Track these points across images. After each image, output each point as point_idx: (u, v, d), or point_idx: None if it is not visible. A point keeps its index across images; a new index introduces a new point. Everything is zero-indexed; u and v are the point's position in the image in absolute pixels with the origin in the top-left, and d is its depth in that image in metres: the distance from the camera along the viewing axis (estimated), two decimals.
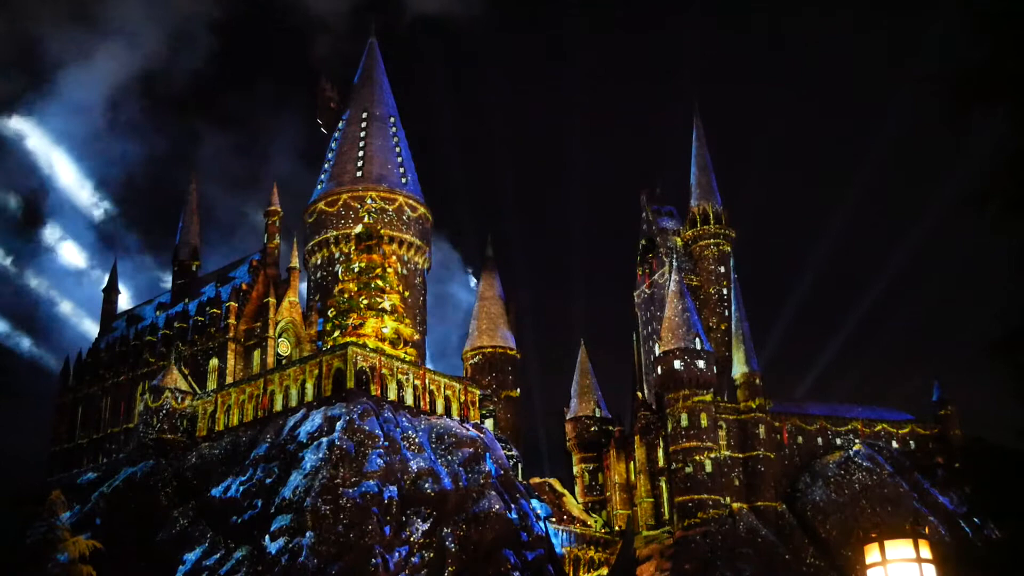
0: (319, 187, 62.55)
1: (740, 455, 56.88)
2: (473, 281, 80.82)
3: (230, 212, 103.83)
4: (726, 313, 62.66)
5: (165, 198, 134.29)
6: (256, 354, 49.77)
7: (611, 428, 64.13)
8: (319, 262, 60.45)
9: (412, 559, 37.84)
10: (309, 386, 43.36)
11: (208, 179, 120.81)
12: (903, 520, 50.62)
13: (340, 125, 64.34)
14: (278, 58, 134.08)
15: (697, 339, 57.48)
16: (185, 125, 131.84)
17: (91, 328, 78.39)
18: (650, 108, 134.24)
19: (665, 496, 57.34)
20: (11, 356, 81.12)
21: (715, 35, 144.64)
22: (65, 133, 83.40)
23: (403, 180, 61.69)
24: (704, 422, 55.86)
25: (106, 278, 64.22)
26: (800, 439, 59.45)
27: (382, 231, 53.58)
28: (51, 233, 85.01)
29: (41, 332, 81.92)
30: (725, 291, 63.47)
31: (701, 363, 56.74)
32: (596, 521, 59.19)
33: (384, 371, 43.50)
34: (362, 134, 63.04)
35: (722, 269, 64.31)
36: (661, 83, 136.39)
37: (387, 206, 59.59)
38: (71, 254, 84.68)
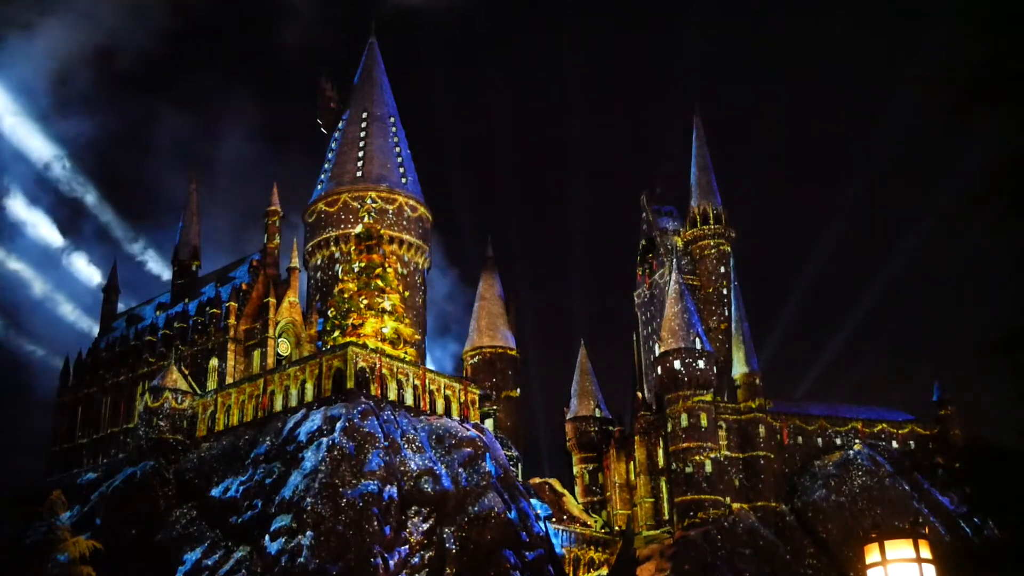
0: (319, 187, 62.54)
1: (740, 455, 56.90)
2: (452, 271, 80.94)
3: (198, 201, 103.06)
4: (726, 313, 62.69)
5: (122, 179, 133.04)
6: (256, 354, 49.77)
7: (611, 428, 64.15)
8: (319, 262, 60.44)
9: (412, 559, 37.86)
10: (309, 386, 43.37)
11: (164, 158, 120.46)
12: (903, 520, 50.61)
13: (340, 125, 64.35)
14: (240, 39, 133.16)
15: (697, 339, 57.50)
16: (141, 103, 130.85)
17: (70, 310, 78.10)
18: (650, 108, 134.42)
19: (665, 496, 57.35)
20: (5, 352, 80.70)
21: (715, 35, 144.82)
22: (10, 108, 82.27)
23: (403, 180, 61.67)
24: (704, 422, 55.88)
25: (76, 257, 63.94)
26: (800, 439, 59.45)
27: (382, 231, 53.56)
28: (14, 210, 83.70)
29: (13, 315, 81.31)
30: (725, 291, 63.50)
31: (701, 363, 56.75)
32: (596, 521, 59.20)
33: (384, 371, 43.51)
34: (362, 134, 63.02)
35: (722, 269, 64.34)
36: (661, 83, 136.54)
37: (387, 206, 59.56)
38: (45, 233, 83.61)
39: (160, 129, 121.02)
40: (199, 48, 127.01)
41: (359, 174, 61.12)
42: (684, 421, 56.02)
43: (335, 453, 38.05)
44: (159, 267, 79.78)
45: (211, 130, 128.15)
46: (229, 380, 48.44)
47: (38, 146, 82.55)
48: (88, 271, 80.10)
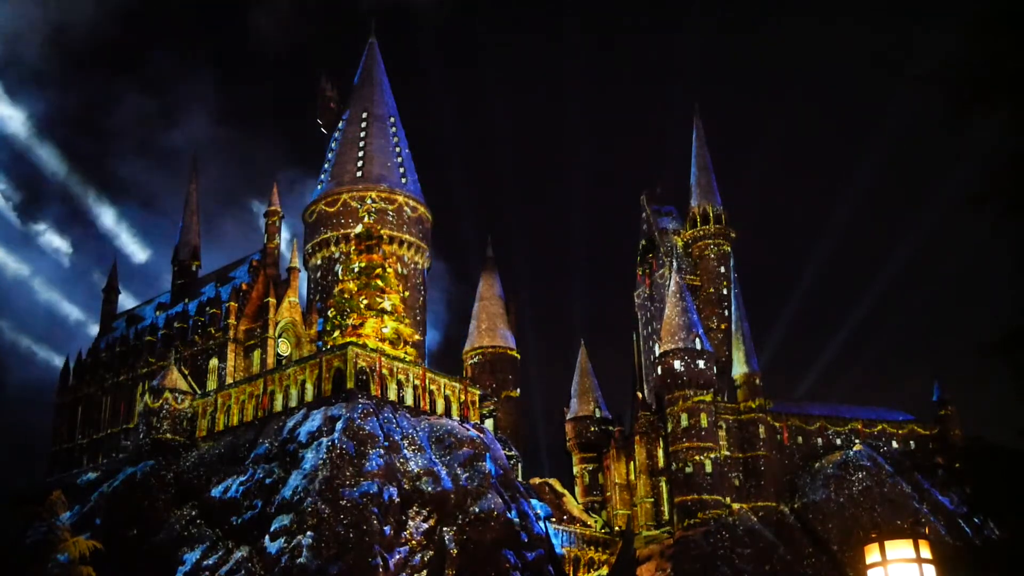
0: (319, 187, 62.58)
1: (740, 455, 56.90)
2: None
3: (161, 183, 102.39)
4: (726, 313, 62.68)
5: (84, 159, 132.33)
6: (256, 354, 49.75)
7: (611, 428, 64.12)
8: (319, 262, 60.45)
9: (412, 559, 37.84)
10: (309, 386, 43.36)
11: (124, 138, 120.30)
12: (903, 520, 50.65)
13: (340, 125, 64.37)
14: (209, 21, 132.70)
15: (697, 339, 57.49)
16: (101, 83, 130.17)
17: (49, 295, 78.14)
18: (650, 108, 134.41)
19: (665, 496, 57.34)
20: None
21: (715, 36, 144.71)
22: None
23: (403, 180, 61.70)
24: (704, 422, 55.87)
25: (43, 240, 63.82)
26: (800, 439, 59.46)
27: (382, 231, 53.56)
28: None
29: None
30: (725, 291, 63.50)
31: (701, 363, 56.75)
32: (596, 521, 59.18)
33: (384, 371, 43.50)
34: (362, 134, 63.05)
35: (722, 269, 64.32)
36: (661, 83, 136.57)
37: (387, 206, 59.59)
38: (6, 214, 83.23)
39: (121, 109, 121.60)
40: (162, 29, 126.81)
41: (359, 174, 61.16)
42: (684, 421, 56.01)
43: (335, 453, 38.03)
44: (127, 245, 79.73)
45: (172, 113, 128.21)
46: (229, 380, 48.43)
47: None
48: (56, 253, 79.91)
